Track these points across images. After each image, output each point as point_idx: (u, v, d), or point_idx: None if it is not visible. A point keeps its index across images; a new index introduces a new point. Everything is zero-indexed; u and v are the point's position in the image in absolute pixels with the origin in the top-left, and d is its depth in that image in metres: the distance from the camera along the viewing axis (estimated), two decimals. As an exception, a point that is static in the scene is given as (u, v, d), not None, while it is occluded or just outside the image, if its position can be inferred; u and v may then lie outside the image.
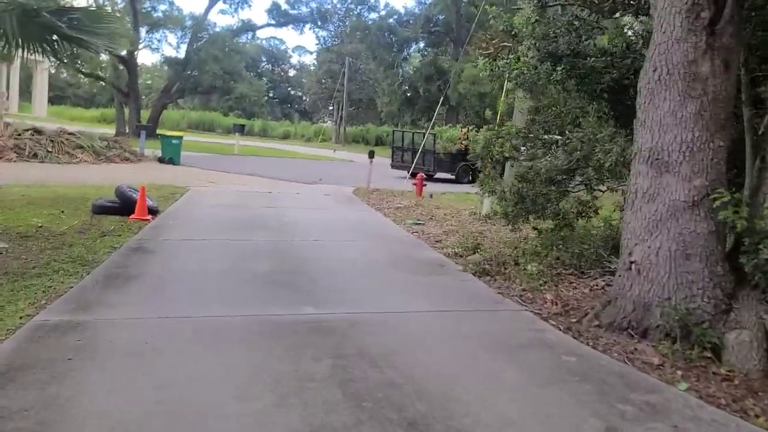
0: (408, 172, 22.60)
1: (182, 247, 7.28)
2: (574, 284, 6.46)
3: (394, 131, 24.57)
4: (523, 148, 7.39)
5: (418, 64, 37.38)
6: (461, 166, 21.02)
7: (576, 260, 6.87)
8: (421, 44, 41.66)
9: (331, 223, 9.93)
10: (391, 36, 41.04)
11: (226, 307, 5.00)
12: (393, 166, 22.05)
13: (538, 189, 7.37)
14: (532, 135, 6.65)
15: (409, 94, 38.83)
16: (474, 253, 7.64)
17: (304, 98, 76.31)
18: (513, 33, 7.32)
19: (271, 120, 64.68)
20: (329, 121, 61.37)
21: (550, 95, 7.06)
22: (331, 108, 55.13)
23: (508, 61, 7.50)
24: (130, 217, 8.70)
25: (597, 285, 6.37)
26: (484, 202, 12.45)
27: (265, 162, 25.66)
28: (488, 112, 42.78)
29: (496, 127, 8.60)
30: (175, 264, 6.37)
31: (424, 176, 16.14)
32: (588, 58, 6.54)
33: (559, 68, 6.63)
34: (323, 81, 56.99)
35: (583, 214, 7.50)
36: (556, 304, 5.67)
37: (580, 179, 7.42)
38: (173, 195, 11.93)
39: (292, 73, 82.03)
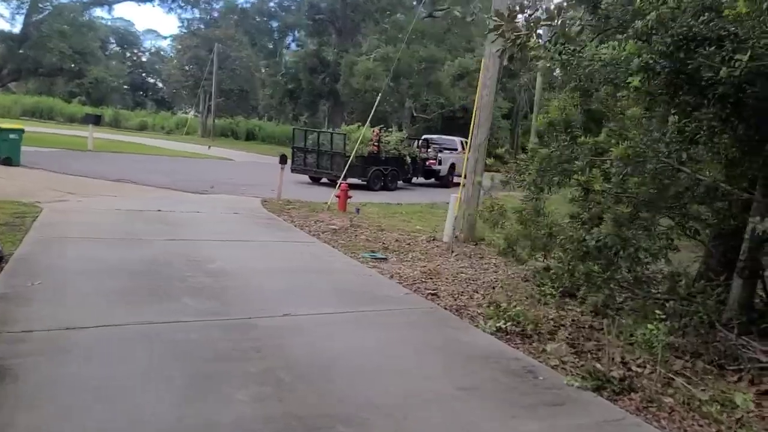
0: (314, 178, 19.73)
1: (62, 366, 3.78)
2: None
3: (295, 129, 21.36)
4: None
5: (303, 54, 34.12)
6: (373, 172, 18.45)
7: (705, 347, 4.57)
8: (303, 33, 38.29)
9: (279, 270, 6.88)
10: (271, 21, 37.35)
11: None
12: (294, 170, 18.99)
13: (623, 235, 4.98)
14: (652, 155, 4.24)
15: (290, 87, 35.48)
16: (552, 338, 5.06)
17: (161, 86, 69.37)
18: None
19: (121, 109, 57.56)
20: (193, 113, 55.82)
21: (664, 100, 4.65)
22: (196, 98, 50.00)
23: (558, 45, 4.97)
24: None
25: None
26: (446, 225, 10.03)
27: (131, 162, 21.32)
28: (381, 108, 40.60)
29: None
30: None
31: (347, 186, 13.36)
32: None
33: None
34: (187, 68, 51.52)
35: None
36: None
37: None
38: (21, 220, 8.17)
39: (145, 58, 74.52)
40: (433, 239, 10.05)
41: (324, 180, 19.78)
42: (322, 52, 35.17)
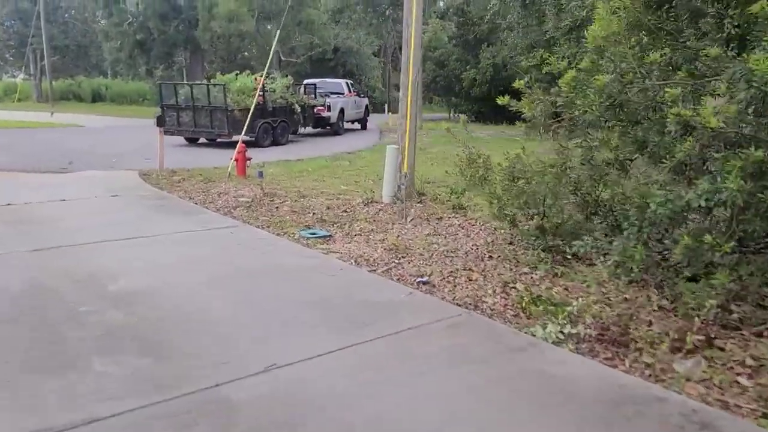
0: (190, 139, 17.12)
1: None
2: None
3: (162, 84, 18.25)
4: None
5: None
6: (261, 125, 16.21)
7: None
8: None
9: (214, 278, 4.90)
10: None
11: None
12: (166, 132, 16.25)
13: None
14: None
15: (139, 37, 31.15)
16: (653, 343, 3.65)
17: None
18: None
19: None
20: (22, 76, 48.48)
21: None
22: (25, 59, 43.17)
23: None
24: None
25: None
26: (385, 183, 8.45)
27: (-45, 139, 17.38)
28: (247, 54, 37.25)
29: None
30: None
31: (245, 147, 11.25)
32: None
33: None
34: (7, 24, 44.17)
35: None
36: None
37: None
38: None
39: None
40: (372, 201, 8.44)
41: (202, 140, 17.29)
42: (172, -6, 31.10)
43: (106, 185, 9.49)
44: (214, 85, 16.29)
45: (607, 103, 3.64)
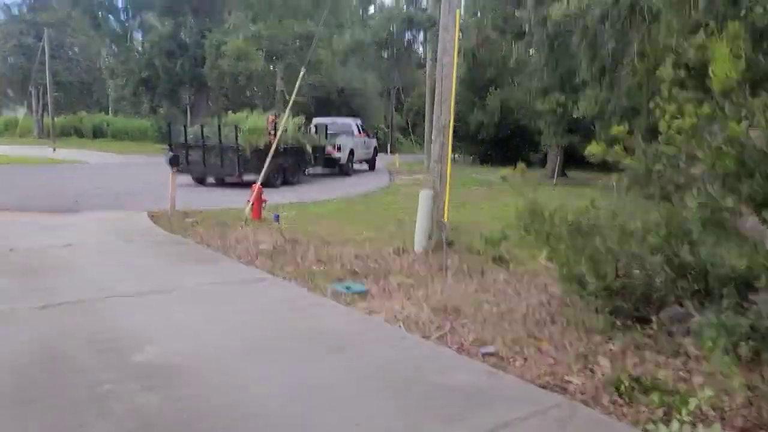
0: (198, 179, 16.62)
1: None
2: None
3: (170, 124, 17.83)
4: None
5: (156, 37, 29.67)
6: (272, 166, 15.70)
7: None
8: (152, 13, 33.50)
9: (263, 348, 4.24)
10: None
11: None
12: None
13: None
14: None
15: (145, 75, 30.92)
16: None
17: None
18: None
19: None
20: (25, 111, 48.25)
21: None
22: (27, 95, 42.98)
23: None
24: None
25: None
26: (418, 231, 7.89)
27: (-46, 175, 16.85)
28: (249, 94, 37.06)
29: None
30: None
31: (262, 189, 10.72)
32: None
33: None
34: (11, 59, 44.10)
35: None
36: None
37: None
38: None
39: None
40: (403, 250, 7.86)
41: (211, 180, 16.79)
42: (180, 32, 31.00)
43: (115, 228, 8.91)
44: (225, 125, 15.84)
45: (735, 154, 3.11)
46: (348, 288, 6.16)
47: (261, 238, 8.66)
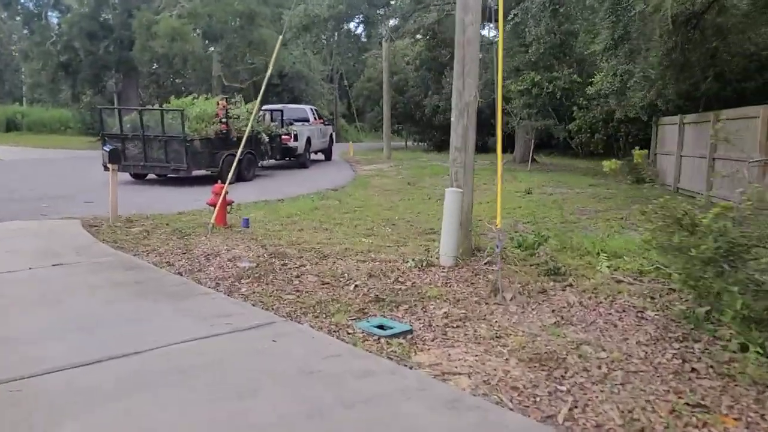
0: (138, 174, 14.35)
1: None
2: None
3: (102, 110, 15.26)
4: None
5: (76, 17, 26.24)
6: (226, 158, 13.61)
7: None
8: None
9: None
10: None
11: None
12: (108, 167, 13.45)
13: None
14: None
15: (63, 58, 27.55)
16: None
17: None
18: None
19: None
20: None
21: None
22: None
23: None
24: None
25: None
26: (445, 240, 6.22)
27: None
28: (179, 81, 34.12)
29: None
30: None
31: (222, 187, 8.72)
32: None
33: None
34: None
35: None
36: None
37: None
38: None
39: None
40: (427, 264, 6.18)
41: (151, 176, 14.55)
42: (102, 12, 27.76)
43: (41, 245, 6.81)
44: (170, 110, 13.58)
45: None
46: (380, 327, 4.46)
47: (236, 252, 6.79)
